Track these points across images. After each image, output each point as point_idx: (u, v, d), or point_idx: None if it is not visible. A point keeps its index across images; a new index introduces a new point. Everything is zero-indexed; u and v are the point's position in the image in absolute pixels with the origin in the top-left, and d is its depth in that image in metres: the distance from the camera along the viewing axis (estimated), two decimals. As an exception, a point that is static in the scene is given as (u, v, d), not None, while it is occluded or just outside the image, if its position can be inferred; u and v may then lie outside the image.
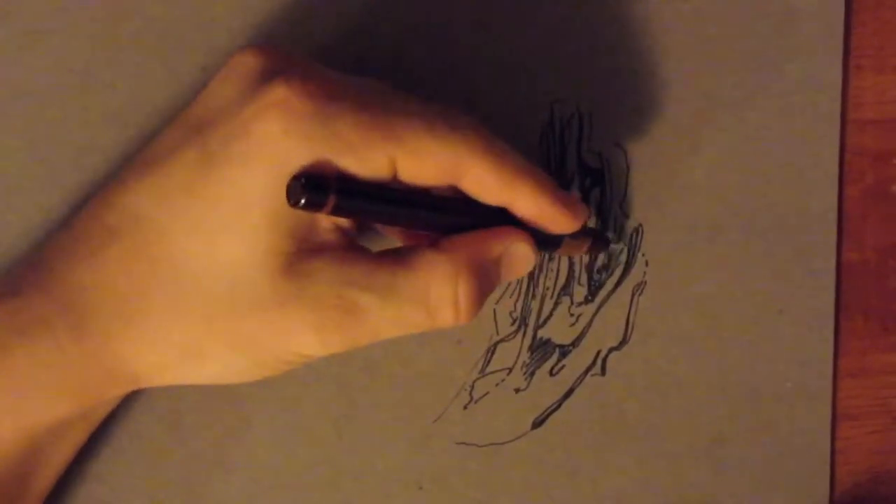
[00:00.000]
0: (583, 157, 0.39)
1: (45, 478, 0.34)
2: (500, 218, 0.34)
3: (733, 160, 0.39)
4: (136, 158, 0.33)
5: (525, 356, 0.39)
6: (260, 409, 0.38)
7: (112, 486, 0.38)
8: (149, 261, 0.31)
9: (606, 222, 0.39)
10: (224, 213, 0.30)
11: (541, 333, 0.39)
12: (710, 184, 0.39)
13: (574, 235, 0.36)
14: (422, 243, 0.34)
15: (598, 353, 0.39)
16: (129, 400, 0.37)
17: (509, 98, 0.39)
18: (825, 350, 0.39)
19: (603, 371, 0.39)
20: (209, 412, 0.38)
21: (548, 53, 0.39)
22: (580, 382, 0.39)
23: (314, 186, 0.29)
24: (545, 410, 0.39)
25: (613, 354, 0.39)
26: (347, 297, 0.31)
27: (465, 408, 0.39)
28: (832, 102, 0.39)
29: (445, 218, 0.33)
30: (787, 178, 0.39)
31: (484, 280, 0.33)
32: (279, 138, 0.30)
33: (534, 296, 0.39)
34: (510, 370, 0.39)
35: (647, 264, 0.39)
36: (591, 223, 0.39)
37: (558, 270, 0.39)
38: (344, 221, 0.32)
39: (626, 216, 0.39)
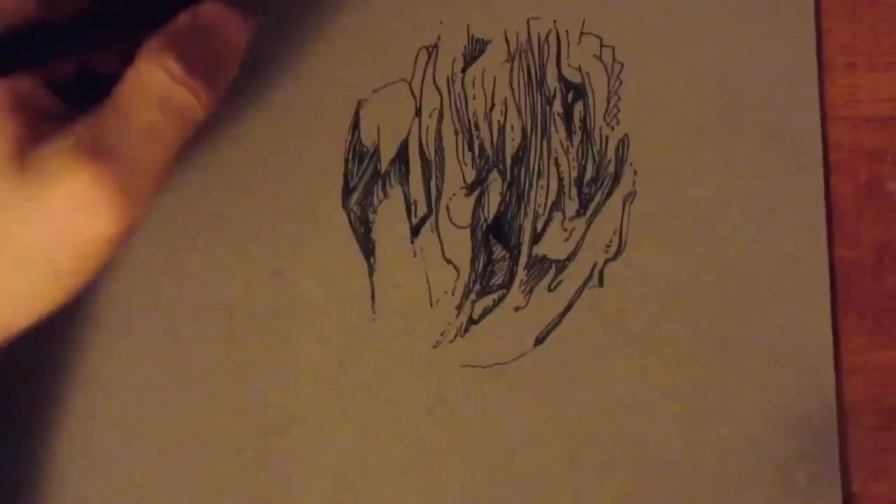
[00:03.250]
0: (563, 73, 0.39)
1: None
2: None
3: (715, 62, 0.39)
4: None
5: (522, 274, 0.39)
6: (261, 347, 0.38)
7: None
8: None
9: (591, 135, 0.39)
10: None
11: (536, 250, 0.39)
12: (693, 88, 0.39)
13: None
14: None
15: (595, 265, 0.39)
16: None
17: (485, 16, 0.39)
18: (818, 243, 0.39)
19: (601, 282, 0.39)
20: (200, 353, 0.38)
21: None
22: (579, 296, 0.39)
23: None
24: (546, 327, 0.39)
25: (610, 265, 0.39)
26: (94, 144, 0.29)
27: (466, 330, 0.39)
28: (807, -4, 0.40)
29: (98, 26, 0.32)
30: (768, 76, 0.39)
31: (198, 48, 0.31)
32: None
33: (526, 213, 0.39)
34: (508, 289, 0.39)
35: (635, 173, 0.39)
36: (577, 139, 0.39)
37: (548, 187, 0.39)
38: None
39: (611, 127, 0.39)
